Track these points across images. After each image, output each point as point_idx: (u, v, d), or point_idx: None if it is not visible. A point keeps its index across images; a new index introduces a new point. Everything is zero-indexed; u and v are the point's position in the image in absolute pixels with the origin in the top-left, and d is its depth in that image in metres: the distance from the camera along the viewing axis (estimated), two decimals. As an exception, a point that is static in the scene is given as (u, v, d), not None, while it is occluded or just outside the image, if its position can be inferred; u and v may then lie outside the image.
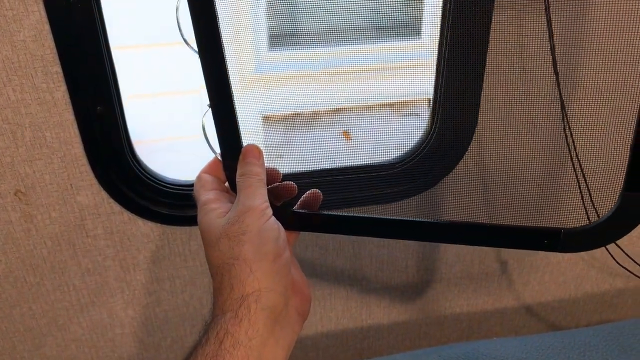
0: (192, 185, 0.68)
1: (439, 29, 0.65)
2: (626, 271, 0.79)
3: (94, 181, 0.62)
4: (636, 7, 0.61)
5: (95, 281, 0.69)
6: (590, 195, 0.64)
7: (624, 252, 0.75)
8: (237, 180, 0.50)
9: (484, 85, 0.64)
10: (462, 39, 0.62)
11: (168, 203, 0.67)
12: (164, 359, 0.78)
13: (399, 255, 0.77)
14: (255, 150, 0.54)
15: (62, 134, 0.58)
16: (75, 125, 0.58)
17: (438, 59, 0.65)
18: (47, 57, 0.54)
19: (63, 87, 0.56)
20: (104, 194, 0.63)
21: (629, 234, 0.82)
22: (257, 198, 0.47)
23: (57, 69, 0.55)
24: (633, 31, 0.64)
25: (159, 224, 0.67)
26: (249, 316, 0.42)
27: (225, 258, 0.44)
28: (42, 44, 0.54)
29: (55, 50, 0.54)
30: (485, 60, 0.63)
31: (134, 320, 0.74)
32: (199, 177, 0.53)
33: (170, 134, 2.31)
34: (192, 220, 0.68)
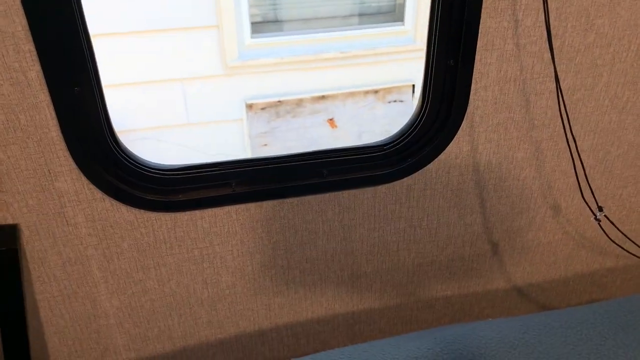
0: (177, 170, 0.65)
1: (424, 11, 0.63)
2: (615, 250, 0.79)
3: (73, 166, 0.59)
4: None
5: (77, 271, 0.67)
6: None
7: (618, 229, 0.75)
8: None
9: (476, 61, 0.63)
10: (454, 14, 0.60)
11: (152, 188, 0.65)
12: (151, 350, 0.76)
13: (390, 239, 0.76)
14: None
15: (37, 116, 0.55)
16: (51, 107, 0.55)
17: (429, 35, 0.63)
18: (19, 35, 0.51)
19: (37, 67, 0.53)
20: (84, 180, 0.60)
21: (620, 215, 0.82)
22: None
23: (29, 47, 0.52)
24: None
25: (143, 211, 0.65)
26: None
27: None
28: (12, 20, 0.50)
29: (27, 27, 0.51)
30: (477, 36, 0.61)
31: (119, 310, 0.71)
32: None
33: (152, 123, 2.27)
34: (177, 206, 0.66)
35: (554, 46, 0.63)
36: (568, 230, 0.82)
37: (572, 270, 0.87)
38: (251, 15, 2.34)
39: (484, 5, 0.59)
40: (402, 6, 2.53)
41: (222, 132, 2.45)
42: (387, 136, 0.72)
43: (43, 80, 0.54)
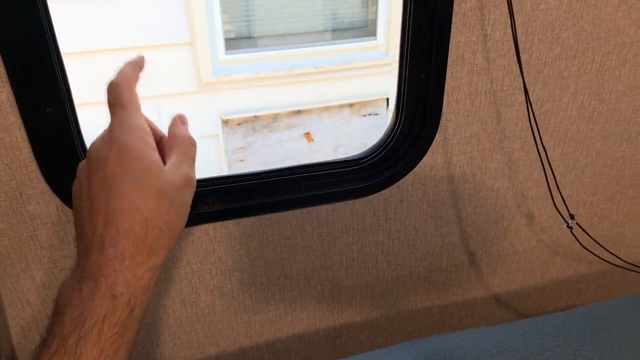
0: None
1: (396, 25, 0.64)
2: (589, 257, 0.81)
3: (46, 188, 0.58)
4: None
5: (51, 295, 0.65)
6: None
7: (589, 236, 0.77)
8: (180, 138, 0.47)
9: (448, 75, 0.64)
10: (424, 29, 0.61)
11: (127, 208, 0.64)
12: (129, 373, 0.74)
13: (368, 252, 0.76)
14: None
15: (7, 138, 0.54)
16: (22, 129, 0.54)
17: (400, 51, 0.64)
18: None
19: (7, 88, 0.52)
20: (57, 201, 0.59)
21: (591, 222, 0.84)
22: (193, 169, 0.45)
23: None
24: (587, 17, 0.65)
25: (118, 231, 0.64)
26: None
27: (159, 219, 0.41)
28: None
29: None
30: (448, 51, 0.63)
31: (95, 334, 0.70)
32: (128, 76, 0.47)
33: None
34: (154, 226, 0.65)
35: (522, 59, 0.65)
36: (542, 238, 0.83)
37: (547, 277, 0.89)
38: (225, 32, 2.35)
39: (453, 21, 0.61)
40: (375, 21, 2.58)
41: (198, 148, 2.44)
42: (363, 149, 0.73)
43: (14, 102, 0.53)
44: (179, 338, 0.74)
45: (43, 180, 0.58)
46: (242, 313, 0.75)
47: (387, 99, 2.72)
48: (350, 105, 2.66)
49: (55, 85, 0.54)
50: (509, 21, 0.62)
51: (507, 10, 0.61)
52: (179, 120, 0.51)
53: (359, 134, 2.73)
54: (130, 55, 0.49)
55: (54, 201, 0.59)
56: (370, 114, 2.74)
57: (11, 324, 0.65)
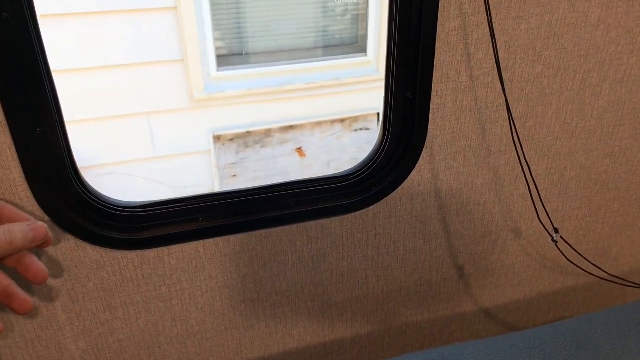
0: (142, 207, 0.65)
1: (386, 41, 0.66)
2: (576, 270, 0.82)
3: (37, 207, 0.58)
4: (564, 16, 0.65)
5: (40, 314, 0.65)
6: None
7: (574, 249, 0.78)
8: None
9: (433, 93, 0.66)
10: (410, 49, 0.63)
11: (117, 227, 0.64)
12: (119, 392, 0.74)
13: (358, 267, 0.77)
14: None
15: (-2, 158, 0.55)
16: (13, 149, 0.55)
17: (387, 69, 0.66)
18: None
19: None
20: (47, 220, 0.59)
21: (577, 235, 0.85)
22: None
23: None
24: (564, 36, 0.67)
25: (109, 249, 0.64)
26: None
27: None
28: None
29: None
30: (432, 70, 0.64)
31: (86, 353, 0.70)
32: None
33: (119, 158, 2.25)
34: (144, 244, 0.65)
35: (505, 77, 0.67)
36: (529, 252, 0.84)
37: (536, 291, 0.90)
38: (217, 49, 2.37)
39: (437, 41, 0.63)
40: (365, 38, 2.61)
41: (190, 164, 2.45)
42: (355, 163, 0.74)
43: (5, 123, 0.54)
44: (170, 355, 0.74)
45: (33, 200, 0.58)
46: (233, 330, 0.75)
47: (378, 114, 2.75)
48: (342, 120, 2.68)
49: (47, 107, 0.55)
50: (491, 41, 0.64)
51: (489, 31, 0.63)
52: (27, 229, 0.52)
53: (350, 149, 2.75)
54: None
55: (45, 220, 0.59)
56: (361, 129, 2.76)
57: (1, 344, 0.65)
